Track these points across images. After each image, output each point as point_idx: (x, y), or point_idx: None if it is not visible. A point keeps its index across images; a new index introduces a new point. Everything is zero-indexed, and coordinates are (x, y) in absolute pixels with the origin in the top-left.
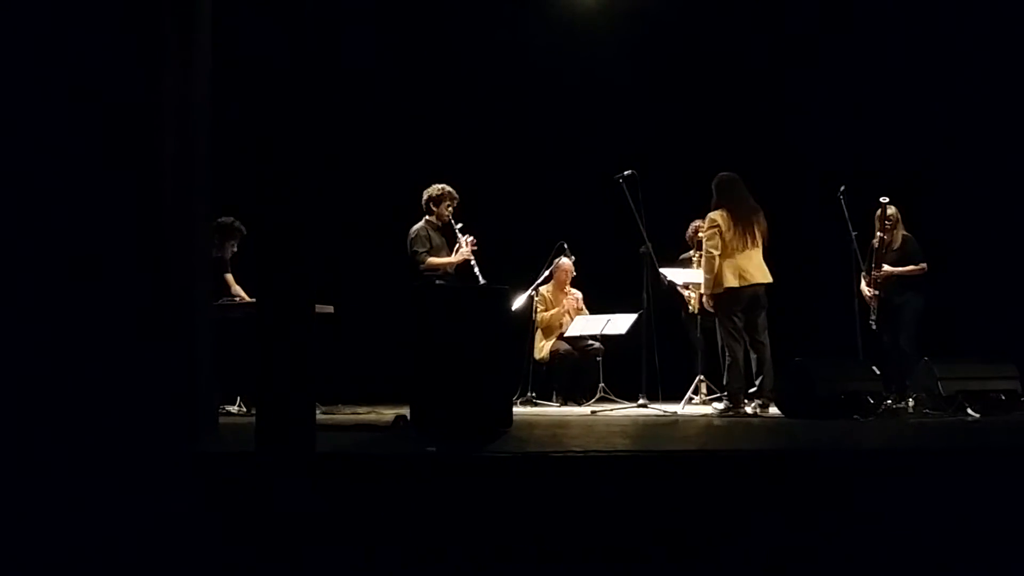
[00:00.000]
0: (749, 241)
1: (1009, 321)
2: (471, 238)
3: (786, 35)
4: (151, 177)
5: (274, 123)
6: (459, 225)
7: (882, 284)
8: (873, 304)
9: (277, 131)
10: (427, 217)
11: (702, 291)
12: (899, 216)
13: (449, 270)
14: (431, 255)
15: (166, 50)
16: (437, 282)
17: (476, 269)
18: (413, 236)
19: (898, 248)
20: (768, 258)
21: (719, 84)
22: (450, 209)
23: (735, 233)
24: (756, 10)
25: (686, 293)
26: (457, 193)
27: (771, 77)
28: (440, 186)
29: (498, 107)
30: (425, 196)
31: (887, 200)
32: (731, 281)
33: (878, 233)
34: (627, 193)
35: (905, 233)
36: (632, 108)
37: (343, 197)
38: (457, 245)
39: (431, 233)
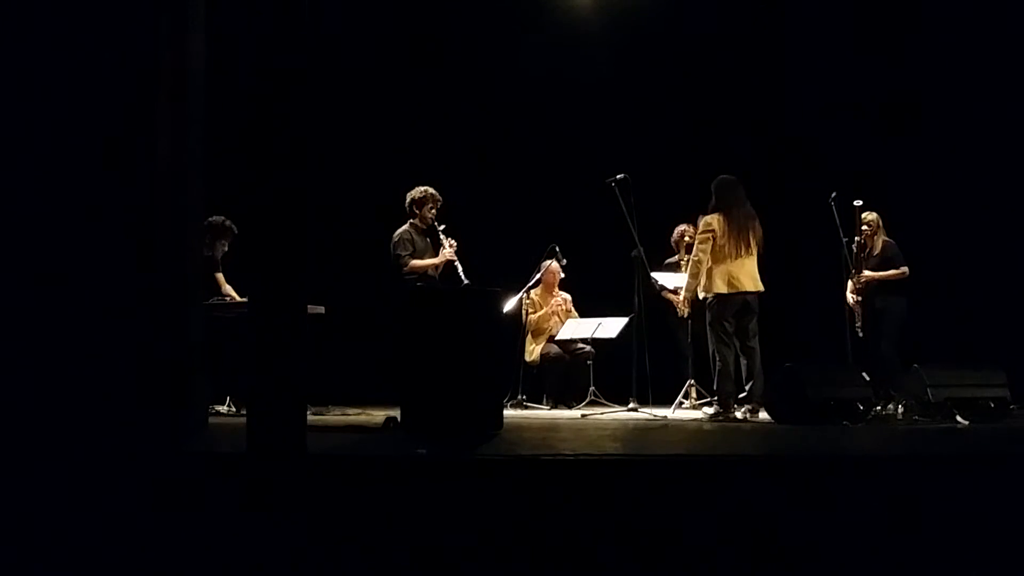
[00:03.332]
0: (743, 248)
1: (997, 327)
2: (452, 241)
3: (779, 40)
4: (144, 177)
5: (268, 123)
6: (442, 227)
7: (864, 289)
8: (857, 310)
9: (271, 131)
10: (411, 220)
11: (683, 293)
12: (879, 222)
13: (432, 272)
14: (414, 258)
15: (160, 49)
16: (418, 284)
17: (460, 270)
18: (396, 240)
19: (878, 253)
20: (760, 264)
21: (712, 88)
22: (433, 211)
23: (729, 239)
24: (749, 15)
25: (675, 298)
26: (440, 195)
27: (764, 82)
28: (422, 188)
29: (490, 110)
30: (408, 199)
31: (860, 204)
32: (720, 287)
33: (856, 238)
34: (619, 197)
35: (886, 238)
36: (625, 111)
37: (336, 198)
38: (441, 247)
39: (415, 236)
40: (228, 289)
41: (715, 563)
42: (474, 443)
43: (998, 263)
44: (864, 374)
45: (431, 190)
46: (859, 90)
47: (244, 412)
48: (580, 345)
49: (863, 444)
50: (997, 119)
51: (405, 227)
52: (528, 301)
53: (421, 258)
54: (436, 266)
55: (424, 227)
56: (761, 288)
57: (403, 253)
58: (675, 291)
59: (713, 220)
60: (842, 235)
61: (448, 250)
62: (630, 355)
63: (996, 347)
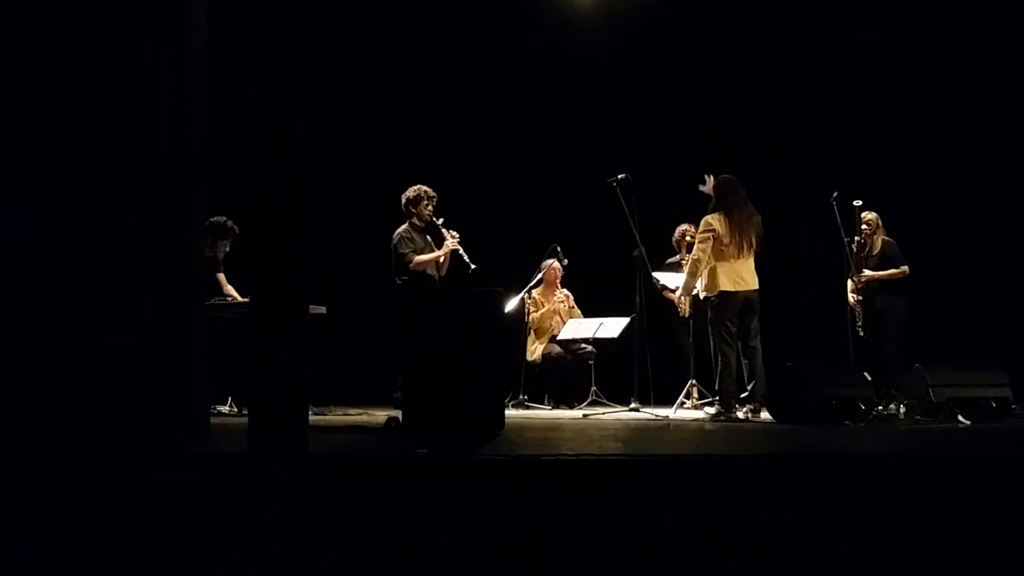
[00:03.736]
0: (746, 248)
1: (999, 327)
2: (454, 232)
3: (780, 40)
4: (145, 177)
5: (270, 124)
6: (440, 220)
7: (864, 289)
8: (858, 310)
9: (273, 132)
10: (409, 220)
11: (680, 291)
12: (879, 221)
13: (432, 272)
14: (417, 254)
15: (160, 49)
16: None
17: (466, 257)
18: (397, 240)
19: (878, 253)
20: (760, 263)
21: (712, 88)
22: (429, 208)
23: (732, 240)
24: (750, 15)
25: (676, 298)
26: (434, 191)
27: (765, 81)
28: (415, 187)
29: (492, 110)
30: (403, 200)
31: (860, 204)
32: (726, 285)
33: (856, 237)
34: (621, 197)
35: (885, 238)
36: (626, 111)
37: (337, 198)
38: (444, 240)
39: (414, 235)
40: (229, 289)
41: (716, 563)
42: (476, 443)
43: (999, 262)
44: (866, 374)
45: (424, 187)
46: (859, 91)
47: (245, 412)
48: (582, 345)
49: (865, 444)
50: (997, 119)
51: (404, 227)
52: (530, 300)
53: (423, 255)
54: (441, 258)
55: (422, 225)
56: (757, 285)
57: (406, 251)
58: (676, 291)
59: (714, 220)
60: (843, 235)
61: (451, 241)
62: (632, 355)
63: (998, 347)
